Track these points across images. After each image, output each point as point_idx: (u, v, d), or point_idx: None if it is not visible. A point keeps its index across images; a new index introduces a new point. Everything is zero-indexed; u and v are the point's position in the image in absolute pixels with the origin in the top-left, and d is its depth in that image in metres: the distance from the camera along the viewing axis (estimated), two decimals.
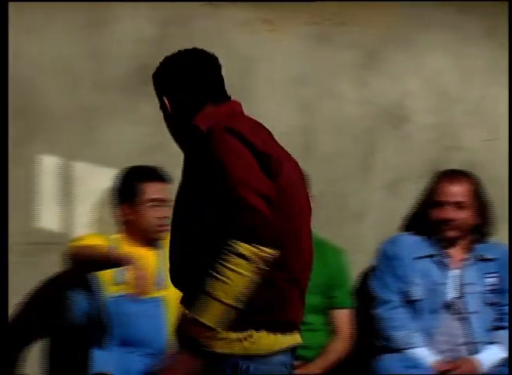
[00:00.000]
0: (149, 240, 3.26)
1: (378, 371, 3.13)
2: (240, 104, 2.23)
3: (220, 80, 2.29)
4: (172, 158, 3.20)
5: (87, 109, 3.44)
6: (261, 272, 1.83)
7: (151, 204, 3.17)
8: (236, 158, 1.88)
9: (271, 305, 1.95)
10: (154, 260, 3.26)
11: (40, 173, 3.45)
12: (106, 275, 3.10)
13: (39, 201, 3.46)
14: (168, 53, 3.24)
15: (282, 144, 2.88)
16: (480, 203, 3.28)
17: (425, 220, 3.35)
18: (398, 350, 3.19)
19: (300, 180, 2.11)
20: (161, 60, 3.30)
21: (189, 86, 2.18)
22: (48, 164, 3.45)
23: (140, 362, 3.15)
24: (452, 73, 3.73)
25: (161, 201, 3.17)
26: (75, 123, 3.44)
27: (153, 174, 3.25)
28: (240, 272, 1.83)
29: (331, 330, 3.34)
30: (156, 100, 3.42)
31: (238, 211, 1.83)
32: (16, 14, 3.36)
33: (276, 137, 3.49)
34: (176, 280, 2.16)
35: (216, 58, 2.32)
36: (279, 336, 1.97)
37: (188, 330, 1.95)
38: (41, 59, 3.38)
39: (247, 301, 1.87)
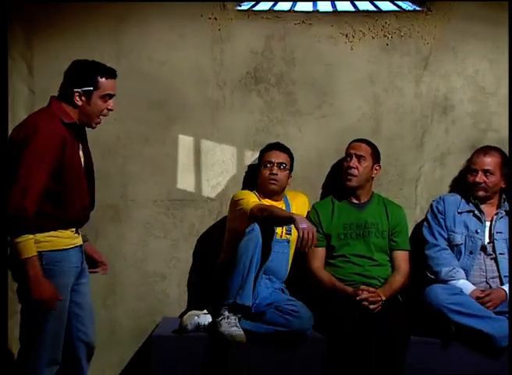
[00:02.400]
0: (266, 192, 3.71)
1: (427, 297, 3.44)
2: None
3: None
4: (273, 137, 3.90)
5: (211, 102, 3.95)
6: None
7: (266, 164, 3.70)
8: None
9: None
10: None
11: (178, 149, 3.96)
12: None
13: (178, 169, 3.96)
14: (271, 61, 3.89)
15: (357, 128, 3.71)
16: (506, 172, 3.64)
17: (465, 183, 3.72)
18: (443, 281, 3.54)
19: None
20: (266, 66, 3.90)
21: None
22: (184, 142, 3.97)
23: (266, 285, 3.62)
24: (486, 73, 3.95)
25: (272, 163, 3.70)
26: (203, 112, 3.94)
27: (276, 146, 3.76)
28: None
29: (393, 267, 3.70)
30: (263, 95, 3.91)
31: None
32: (164, 32, 3.90)
33: (352, 123, 3.95)
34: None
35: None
36: None
37: None
38: (181, 67, 3.92)
39: None
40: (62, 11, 3.87)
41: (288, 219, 3.27)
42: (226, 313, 3.35)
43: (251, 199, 3.55)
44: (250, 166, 3.98)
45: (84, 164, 3.00)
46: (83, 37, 3.87)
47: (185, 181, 3.98)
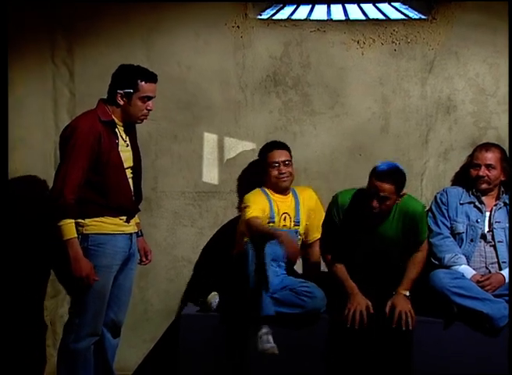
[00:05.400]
0: (278, 189, 3.80)
1: (432, 281, 3.51)
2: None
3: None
4: (290, 135, 3.99)
5: (234, 102, 4.06)
6: None
7: (273, 165, 3.76)
8: None
9: None
10: (291, 204, 3.82)
11: (203, 146, 4.08)
12: None
13: (203, 164, 4.08)
14: (289, 65, 3.92)
15: (367, 126, 3.73)
16: (505, 166, 3.77)
17: (467, 177, 3.83)
18: (446, 267, 3.62)
19: None
20: (284, 70, 3.92)
21: None
22: (209, 139, 4.08)
23: (276, 273, 3.68)
24: (486, 76, 4.03)
25: (278, 163, 3.76)
26: (226, 112, 4.05)
27: (276, 145, 3.84)
28: None
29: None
30: (281, 96, 3.95)
31: None
32: (190, 39, 4.01)
33: (363, 122, 3.90)
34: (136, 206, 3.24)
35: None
36: None
37: None
38: (206, 70, 4.04)
39: None
40: (100, 21, 4.00)
41: (271, 236, 3.31)
42: (261, 330, 3.39)
43: (253, 207, 3.60)
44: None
45: (133, 158, 3.18)
46: (118, 45, 4.00)
47: (210, 175, 4.09)
